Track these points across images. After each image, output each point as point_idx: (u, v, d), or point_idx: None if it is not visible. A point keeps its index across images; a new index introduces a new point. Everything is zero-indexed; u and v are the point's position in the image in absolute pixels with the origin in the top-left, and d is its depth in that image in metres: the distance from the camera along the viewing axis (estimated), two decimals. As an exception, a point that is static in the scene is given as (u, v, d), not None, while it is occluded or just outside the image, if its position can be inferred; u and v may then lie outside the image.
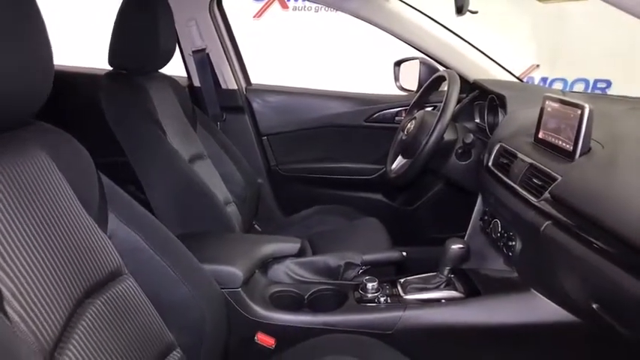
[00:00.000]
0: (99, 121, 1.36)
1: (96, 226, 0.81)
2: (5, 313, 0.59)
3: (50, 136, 0.80)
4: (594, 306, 0.93)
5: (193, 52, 1.86)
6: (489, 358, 1.21)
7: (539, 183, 1.07)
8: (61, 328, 0.67)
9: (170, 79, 1.62)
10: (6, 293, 0.60)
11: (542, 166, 1.09)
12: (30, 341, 0.61)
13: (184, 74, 2.01)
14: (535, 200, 1.06)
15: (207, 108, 1.91)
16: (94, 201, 0.83)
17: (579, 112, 1.03)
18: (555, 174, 1.03)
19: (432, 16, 1.75)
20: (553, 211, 1.00)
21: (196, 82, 1.93)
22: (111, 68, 1.44)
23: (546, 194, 1.03)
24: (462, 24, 1.62)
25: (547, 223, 1.00)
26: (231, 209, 1.67)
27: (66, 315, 0.69)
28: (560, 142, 1.09)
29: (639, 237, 0.77)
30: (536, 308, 1.13)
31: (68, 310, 0.69)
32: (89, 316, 0.72)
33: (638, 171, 0.92)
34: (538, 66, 3.59)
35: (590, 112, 1.02)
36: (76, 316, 0.71)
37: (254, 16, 3.73)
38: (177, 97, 1.60)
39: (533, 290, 1.15)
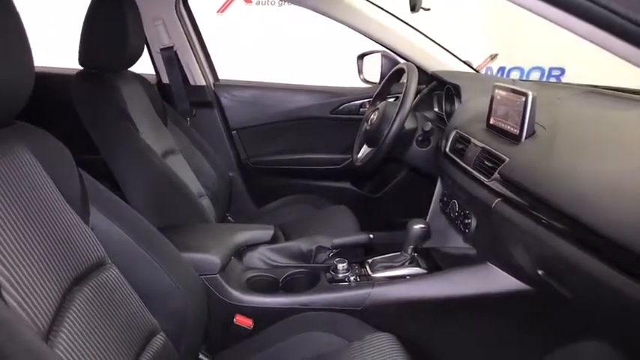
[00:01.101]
0: (70, 120, 1.38)
1: (79, 219, 0.86)
2: (4, 300, 0.64)
3: (33, 136, 0.84)
4: (540, 272, 1.04)
5: (161, 49, 1.89)
6: (451, 327, 1.31)
7: (490, 165, 1.17)
8: (54, 313, 0.72)
9: (139, 77, 1.65)
10: (3, 282, 0.65)
11: (492, 149, 1.19)
12: (28, 324, 0.66)
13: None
14: (486, 180, 1.16)
15: (176, 104, 1.94)
16: (76, 196, 0.88)
17: (524, 99, 1.12)
18: (504, 156, 1.13)
19: (391, 12, 1.83)
20: (502, 189, 1.10)
21: (165, 79, 1.96)
22: (81, 68, 1.46)
23: (496, 174, 1.13)
24: (424, 17, 1.70)
25: (497, 200, 1.10)
26: (205, 202, 1.71)
27: (57, 301, 0.74)
28: (508, 127, 1.19)
29: (577, 209, 0.87)
30: (492, 279, 1.24)
31: (59, 296, 0.74)
32: (78, 302, 0.78)
33: (575, 150, 1.02)
34: (496, 55, 3.73)
35: (534, 98, 1.12)
36: (66, 302, 0.76)
37: (217, 11, 3.73)
38: (147, 94, 1.63)
39: (488, 263, 1.25)
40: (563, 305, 1.13)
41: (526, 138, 1.13)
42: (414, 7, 1.17)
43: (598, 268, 0.82)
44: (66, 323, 0.73)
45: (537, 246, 1.01)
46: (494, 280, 1.23)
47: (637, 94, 1.25)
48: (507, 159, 1.12)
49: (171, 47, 1.89)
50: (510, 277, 1.21)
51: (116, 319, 0.85)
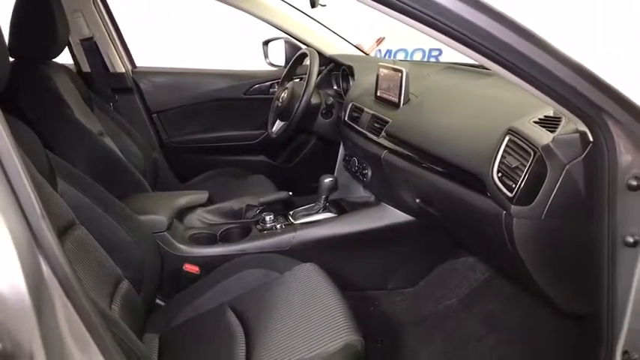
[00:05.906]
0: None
1: (51, 188, 1.04)
2: None
3: (7, 120, 1.00)
4: (417, 201, 1.40)
5: (81, 40, 1.98)
6: (358, 255, 1.65)
7: (378, 126, 1.51)
8: None
9: (64, 67, 1.75)
10: None
11: (379, 115, 1.52)
12: None
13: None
14: (376, 138, 1.50)
15: (99, 91, 2.04)
16: (46, 170, 1.07)
17: (400, 74, 1.46)
18: (388, 119, 1.47)
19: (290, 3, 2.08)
20: (388, 144, 1.44)
21: (85, 68, 2.05)
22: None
23: (383, 133, 1.47)
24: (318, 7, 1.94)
25: (385, 151, 1.44)
26: (135, 179, 1.86)
27: None
28: (390, 97, 1.52)
29: (438, 150, 1.22)
30: (386, 216, 1.59)
31: None
32: (66, 250, 0.97)
33: (437, 110, 1.37)
34: (383, 39, 4.11)
35: (407, 74, 1.45)
36: None
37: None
38: (73, 82, 1.75)
39: (383, 203, 1.60)
40: (437, 227, 1.51)
41: (403, 104, 1.47)
42: (313, 4, 1.44)
43: (455, 188, 1.18)
44: None
45: (415, 181, 1.36)
46: (388, 215, 1.59)
47: (483, 69, 1.64)
48: (390, 120, 1.46)
49: (91, 38, 1.99)
50: (399, 212, 1.57)
51: (92, 268, 1.05)
